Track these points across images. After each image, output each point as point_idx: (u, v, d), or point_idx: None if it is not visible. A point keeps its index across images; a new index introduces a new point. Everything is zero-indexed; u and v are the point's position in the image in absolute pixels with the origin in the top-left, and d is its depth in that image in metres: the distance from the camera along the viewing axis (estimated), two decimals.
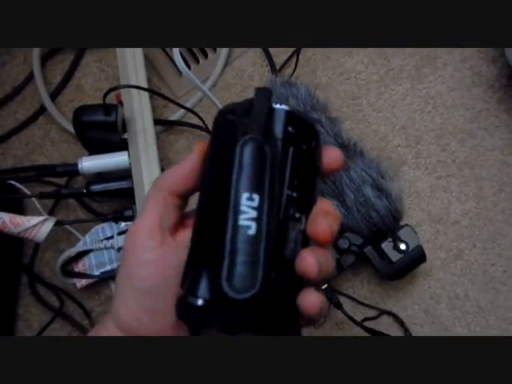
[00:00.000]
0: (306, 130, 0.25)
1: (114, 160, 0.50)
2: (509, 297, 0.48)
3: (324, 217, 0.23)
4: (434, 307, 0.49)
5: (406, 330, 0.48)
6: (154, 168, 0.50)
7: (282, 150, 0.23)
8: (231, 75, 0.59)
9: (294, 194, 0.23)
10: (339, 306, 0.47)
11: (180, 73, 0.59)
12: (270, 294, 0.22)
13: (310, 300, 0.23)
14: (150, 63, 0.61)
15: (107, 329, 0.26)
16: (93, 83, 0.59)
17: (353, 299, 0.50)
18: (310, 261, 0.22)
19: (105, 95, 0.46)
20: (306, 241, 0.24)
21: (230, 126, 0.23)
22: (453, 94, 0.55)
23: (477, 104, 0.54)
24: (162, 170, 0.53)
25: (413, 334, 0.48)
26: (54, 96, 0.58)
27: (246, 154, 0.22)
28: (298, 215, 0.23)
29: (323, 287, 0.48)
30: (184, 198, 0.27)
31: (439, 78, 0.55)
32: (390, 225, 0.47)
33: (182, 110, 0.57)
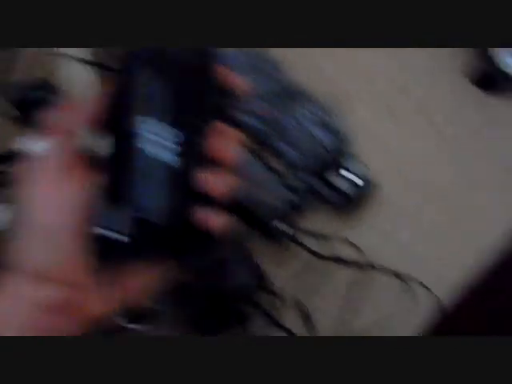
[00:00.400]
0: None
1: None
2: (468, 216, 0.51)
3: (220, 137, 0.25)
4: (393, 232, 0.52)
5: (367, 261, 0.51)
6: None
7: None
8: None
9: (191, 120, 0.25)
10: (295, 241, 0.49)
11: None
12: (182, 218, 0.24)
13: (214, 219, 0.25)
14: None
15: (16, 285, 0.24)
16: None
17: (313, 234, 0.52)
18: (210, 181, 0.25)
19: None
20: (208, 163, 0.26)
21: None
22: None
23: None
24: None
25: (370, 260, 0.50)
26: None
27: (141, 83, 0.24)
28: (198, 139, 0.25)
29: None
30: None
31: None
32: (338, 158, 0.50)
33: None
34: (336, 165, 0.49)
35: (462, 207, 0.51)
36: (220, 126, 0.26)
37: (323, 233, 0.51)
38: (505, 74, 0.48)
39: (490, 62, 0.49)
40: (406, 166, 0.53)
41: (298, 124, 0.50)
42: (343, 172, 0.49)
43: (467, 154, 0.53)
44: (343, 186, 0.48)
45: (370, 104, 0.55)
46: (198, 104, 0.25)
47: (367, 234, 0.51)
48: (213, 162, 0.25)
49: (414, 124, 0.54)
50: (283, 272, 0.50)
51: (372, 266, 0.49)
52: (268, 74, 0.51)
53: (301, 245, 0.50)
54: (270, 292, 0.49)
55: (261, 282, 0.48)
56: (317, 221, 0.53)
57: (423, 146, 0.53)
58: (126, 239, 0.24)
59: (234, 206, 0.50)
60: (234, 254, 0.48)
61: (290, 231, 0.50)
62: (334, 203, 0.49)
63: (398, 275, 0.49)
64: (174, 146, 0.24)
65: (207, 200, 0.25)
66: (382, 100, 0.55)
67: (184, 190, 0.25)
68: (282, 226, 0.50)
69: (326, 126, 0.50)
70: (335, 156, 0.49)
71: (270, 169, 0.50)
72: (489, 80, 0.51)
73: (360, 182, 0.48)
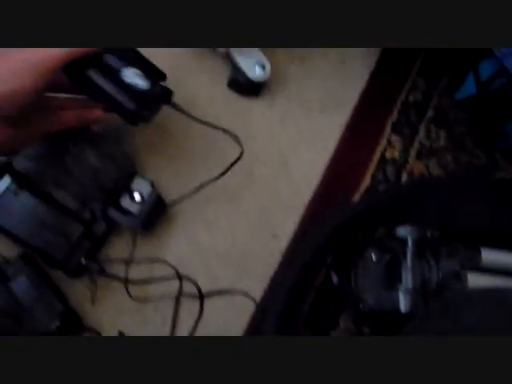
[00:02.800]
0: None
1: None
2: (248, 203, 0.57)
3: None
4: (193, 238, 0.55)
5: (177, 272, 0.53)
6: None
7: None
8: None
9: None
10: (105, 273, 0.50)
11: None
12: None
13: None
14: None
15: None
16: None
17: (126, 262, 0.53)
18: None
19: None
20: None
21: None
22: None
23: (175, 58, 0.61)
24: None
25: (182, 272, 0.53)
26: None
27: None
28: None
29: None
30: None
31: None
32: (123, 182, 0.52)
33: None
34: (123, 188, 0.51)
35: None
36: None
37: (132, 257, 0.52)
38: (251, 81, 0.56)
39: (240, 71, 0.56)
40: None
41: (76, 161, 0.50)
42: (131, 194, 0.51)
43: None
44: (132, 207, 0.50)
45: None
46: None
47: (172, 248, 0.54)
48: None
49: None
50: (101, 307, 0.50)
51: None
52: None
53: (112, 276, 0.51)
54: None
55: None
56: (121, 246, 0.54)
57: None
58: None
59: (31, 250, 0.49)
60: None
61: (95, 265, 0.50)
62: (128, 226, 0.51)
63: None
64: None
65: None
66: None
67: None
68: (87, 262, 0.50)
69: (105, 155, 0.51)
70: (120, 181, 0.51)
71: (58, 207, 0.50)
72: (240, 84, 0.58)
73: (147, 201, 0.51)
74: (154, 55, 0.59)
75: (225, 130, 0.54)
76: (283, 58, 0.61)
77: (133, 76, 0.48)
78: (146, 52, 0.57)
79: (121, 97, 0.46)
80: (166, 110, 0.53)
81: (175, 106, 0.52)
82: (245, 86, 0.58)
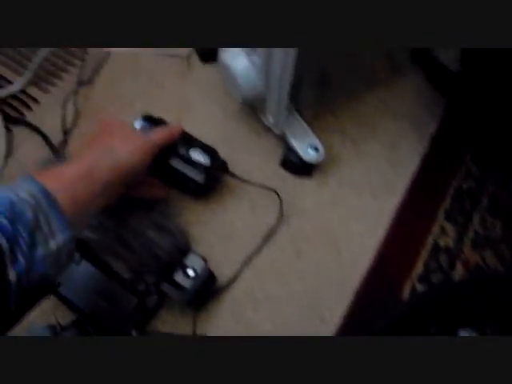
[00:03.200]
0: None
1: None
2: (297, 284, 0.57)
3: None
4: (241, 316, 0.55)
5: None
6: None
7: None
8: (15, 166, 0.63)
9: None
10: None
11: None
12: None
13: None
14: None
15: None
16: None
17: (172, 335, 0.54)
18: None
19: None
20: None
21: None
22: (211, 130, 0.64)
23: (232, 134, 0.64)
24: None
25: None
26: None
27: None
28: None
29: None
30: None
31: (198, 120, 0.65)
32: (177, 257, 0.53)
33: None
34: (177, 263, 0.53)
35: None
36: None
37: (178, 333, 0.53)
38: (304, 162, 0.58)
39: (293, 152, 0.58)
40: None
41: (135, 231, 0.53)
42: (184, 269, 0.52)
43: None
44: (185, 282, 0.51)
45: None
46: None
47: (220, 324, 0.54)
48: None
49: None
50: None
51: None
52: None
53: None
54: None
55: None
56: (171, 320, 0.55)
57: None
58: None
59: (87, 319, 0.51)
60: None
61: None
62: (180, 300, 0.52)
63: None
64: None
65: None
66: None
67: None
68: (137, 334, 0.51)
69: (162, 229, 0.54)
70: (174, 255, 0.53)
71: (114, 277, 0.52)
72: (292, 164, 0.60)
73: (200, 276, 0.52)
74: (208, 131, 0.62)
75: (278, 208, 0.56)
76: (336, 140, 0.63)
77: (197, 155, 0.57)
78: (197, 131, 0.61)
79: (193, 174, 0.56)
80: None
81: (232, 175, 0.58)
82: (298, 167, 0.59)
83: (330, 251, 0.58)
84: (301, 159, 0.58)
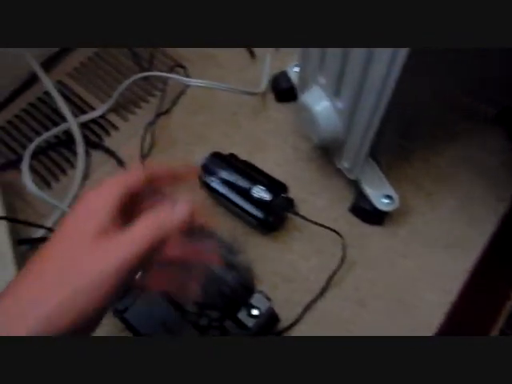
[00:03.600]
0: None
1: None
2: (358, 333, 0.55)
3: None
4: None
5: None
6: None
7: None
8: (90, 187, 0.65)
9: None
10: None
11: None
12: None
13: None
14: (12, 189, 0.65)
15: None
16: None
17: None
18: None
19: None
20: None
21: None
22: (281, 169, 0.64)
23: (302, 174, 0.64)
24: None
25: None
26: None
27: None
28: None
29: None
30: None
31: (269, 158, 0.65)
32: (242, 295, 0.53)
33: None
34: (241, 301, 0.52)
35: None
36: None
37: None
38: (376, 210, 0.57)
39: (365, 199, 0.58)
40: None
41: (202, 264, 0.53)
42: (248, 308, 0.51)
43: None
44: (248, 321, 0.50)
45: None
46: None
47: None
48: None
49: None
50: None
51: None
52: None
53: None
54: None
55: None
56: None
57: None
58: None
59: None
60: None
61: None
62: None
63: None
64: None
65: None
66: None
67: None
68: None
69: (228, 264, 0.54)
70: (239, 292, 0.52)
71: (178, 308, 0.52)
72: (363, 211, 0.59)
73: (263, 316, 0.51)
74: (278, 169, 0.63)
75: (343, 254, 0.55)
76: (410, 191, 0.61)
77: (260, 190, 0.58)
78: (267, 168, 0.61)
79: (254, 210, 0.57)
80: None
81: (298, 214, 0.58)
82: (368, 214, 0.58)
83: (396, 306, 0.56)
84: (373, 206, 0.57)
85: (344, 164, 0.56)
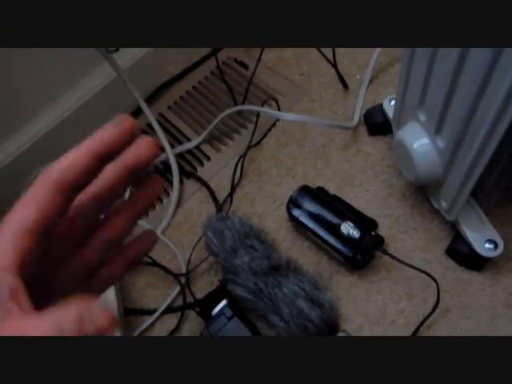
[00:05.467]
0: None
1: None
2: None
3: None
4: None
5: None
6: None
7: None
8: (182, 215, 0.68)
9: None
10: None
11: None
12: None
13: None
14: None
15: None
16: None
17: None
18: None
19: None
20: None
21: None
22: (372, 205, 0.62)
23: (393, 212, 0.61)
24: (125, 310, 0.59)
25: None
26: None
27: None
28: None
29: None
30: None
31: (359, 193, 0.64)
32: (325, 333, 0.51)
33: None
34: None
35: None
36: None
37: None
38: (477, 255, 0.52)
39: (465, 242, 0.54)
40: None
41: (286, 298, 0.53)
42: None
43: None
44: None
45: None
46: None
47: None
48: None
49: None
50: None
51: None
52: (259, 249, 0.56)
53: None
54: None
55: None
56: None
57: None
58: None
59: None
60: None
61: None
62: None
63: None
64: None
65: None
66: None
67: None
68: None
69: (313, 300, 0.52)
70: (323, 330, 0.51)
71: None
72: (461, 255, 0.55)
73: None
74: (368, 206, 0.61)
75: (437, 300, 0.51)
76: None
77: (348, 227, 0.57)
78: (357, 204, 0.60)
79: (341, 247, 0.56)
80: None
81: (387, 253, 0.55)
82: (467, 258, 0.54)
83: None
84: (472, 251, 0.53)
85: (442, 204, 0.53)
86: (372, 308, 0.56)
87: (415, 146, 0.49)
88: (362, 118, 0.69)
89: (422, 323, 0.53)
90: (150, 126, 0.75)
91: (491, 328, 0.52)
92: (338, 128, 0.67)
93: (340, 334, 0.50)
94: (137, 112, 0.77)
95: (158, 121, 0.74)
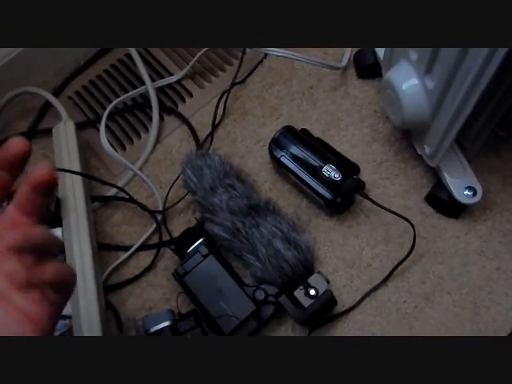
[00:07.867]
0: None
1: None
2: (421, 330, 0.52)
3: None
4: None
5: None
6: (84, 243, 0.54)
7: None
8: (161, 151, 0.66)
9: None
10: None
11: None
12: None
13: None
14: (89, 147, 0.67)
15: None
16: None
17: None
18: None
19: None
20: None
21: None
22: (356, 150, 0.61)
23: (377, 157, 0.60)
24: (98, 245, 0.58)
25: None
26: None
27: None
28: None
29: None
30: None
31: (343, 137, 0.62)
32: (300, 273, 0.51)
33: None
34: (299, 279, 0.51)
35: None
36: None
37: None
38: (455, 202, 0.52)
39: (444, 189, 0.53)
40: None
41: (263, 238, 0.52)
42: (306, 287, 0.50)
43: None
44: (305, 301, 0.49)
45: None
46: None
47: None
48: None
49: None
50: None
51: None
52: (238, 189, 0.55)
53: None
54: None
55: None
56: (281, 333, 0.53)
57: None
58: None
59: (202, 313, 0.51)
60: None
61: None
62: (295, 317, 0.50)
63: None
64: None
65: None
66: None
67: None
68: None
69: (290, 241, 0.52)
70: (298, 271, 0.51)
71: (236, 280, 0.52)
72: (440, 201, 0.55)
73: (321, 298, 0.50)
74: (352, 150, 0.60)
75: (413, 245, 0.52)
76: (495, 184, 0.56)
77: (330, 170, 0.56)
78: (341, 148, 0.59)
79: (322, 189, 0.56)
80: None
81: (367, 197, 0.55)
82: (446, 205, 0.54)
83: (465, 307, 0.52)
84: (452, 198, 0.53)
85: (425, 149, 0.52)
86: (348, 251, 0.56)
87: (404, 86, 0.47)
88: (352, 59, 0.66)
89: (396, 267, 0.54)
90: (129, 56, 0.71)
91: (463, 273, 0.53)
92: (327, 67, 0.65)
93: (314, 276, 0.51)
94: None
95: (138, 52, 0.70)
